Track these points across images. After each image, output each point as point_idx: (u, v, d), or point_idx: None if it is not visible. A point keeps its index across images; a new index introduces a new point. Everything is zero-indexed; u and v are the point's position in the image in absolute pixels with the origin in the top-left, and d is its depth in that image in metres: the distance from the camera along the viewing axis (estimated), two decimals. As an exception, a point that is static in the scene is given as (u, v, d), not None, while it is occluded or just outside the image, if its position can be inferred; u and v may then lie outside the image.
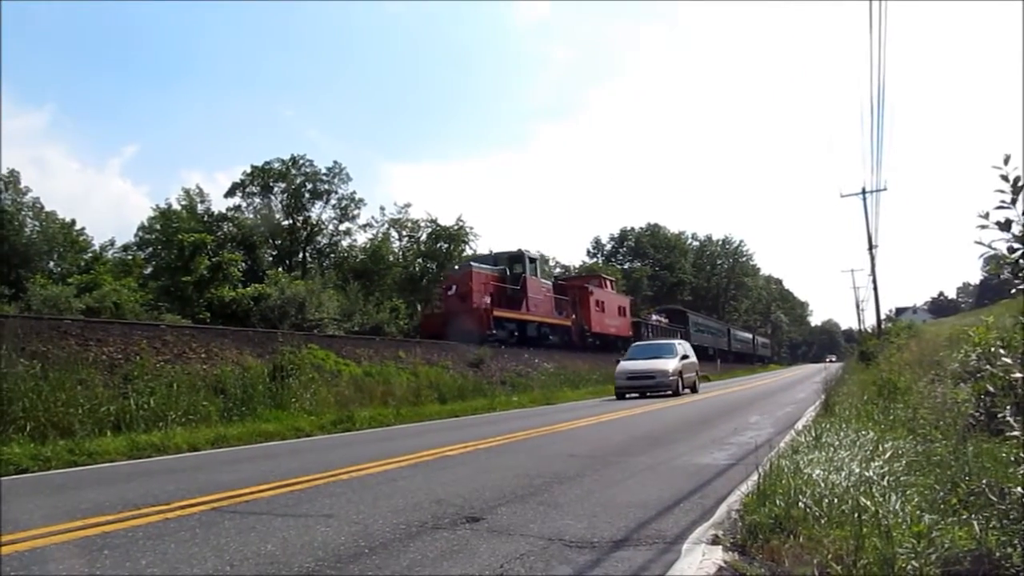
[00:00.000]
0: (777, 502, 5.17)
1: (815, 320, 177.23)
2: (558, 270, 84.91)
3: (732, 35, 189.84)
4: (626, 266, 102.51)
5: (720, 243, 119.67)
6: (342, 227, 65.01)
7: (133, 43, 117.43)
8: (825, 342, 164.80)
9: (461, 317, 30.12)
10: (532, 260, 36.89)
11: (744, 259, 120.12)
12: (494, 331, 30.69)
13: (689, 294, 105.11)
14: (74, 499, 6.91)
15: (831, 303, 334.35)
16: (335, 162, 65.60)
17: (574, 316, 40.30)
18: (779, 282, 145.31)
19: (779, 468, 6.24)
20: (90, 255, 52.46)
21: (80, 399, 12.06)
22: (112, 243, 58.00)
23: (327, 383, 18.05)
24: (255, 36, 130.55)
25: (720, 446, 11.04)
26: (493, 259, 36.94)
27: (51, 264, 50.55)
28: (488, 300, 31.53)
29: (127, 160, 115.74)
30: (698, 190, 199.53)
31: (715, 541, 4.90)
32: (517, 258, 36.38)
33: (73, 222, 52.98)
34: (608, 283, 48.82)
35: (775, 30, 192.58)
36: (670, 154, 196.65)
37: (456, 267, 36.91)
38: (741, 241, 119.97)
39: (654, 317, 60.28)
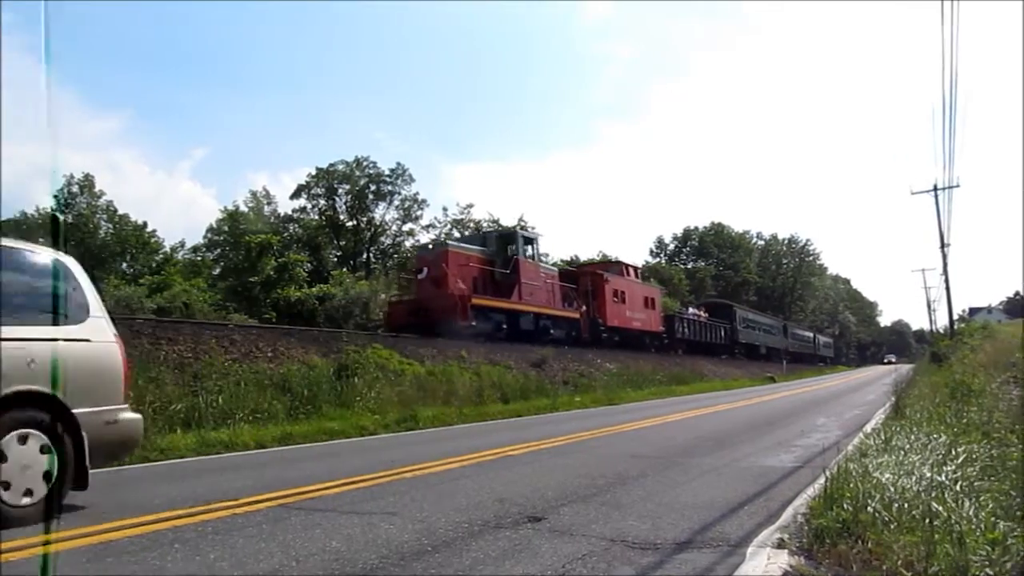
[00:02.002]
0: (845, 506, 5.08)
1: (884, 321, 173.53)
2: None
3: (798, 31, 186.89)
4: (689, 266, 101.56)
5: (786, 242, 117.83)
6: (405, 227, 65.60)
7: (202, 48, 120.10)
8: (895, 343, 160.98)
9: (433, 305, 25.72)
10: (528, 240, 31.76)
11: (810, 258, 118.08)
12: (473, 322, 25.88)
13: (754, 294, 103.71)
14: (146, 494, 7.07)
15: (901, 303, 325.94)
16: (398, 163, 66.28)
17: (585, 308, 34.58)
18: (847, 282, 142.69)
19: (847, 471, 6.12)
20: (161, 256, 53.81)
21: (152, 397, 12.33)
22: (182, 244, 59.42)
23: (390, 382, 18.18)
24: (319, 39, 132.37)
25: (786, 448, 10.89)
26: (481, 239, 32.32)
27: (124, 265, 51.91)
28: (466, 285, 26.76)
29: (196, 163, 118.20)
30: (763, 189, 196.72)
31: (780, 545, 4.83)
32: (509, 238, 31.45)
33: (145, 224, 54.37)
34: (631, 271, 41.85)
35: (842, 25, 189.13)
36: (734, 152, 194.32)
37: (430, 246, 30.54)
38: (807, 240, 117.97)
39: (691, 311, 54.20)
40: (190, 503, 6.44)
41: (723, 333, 54.27)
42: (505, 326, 28.19)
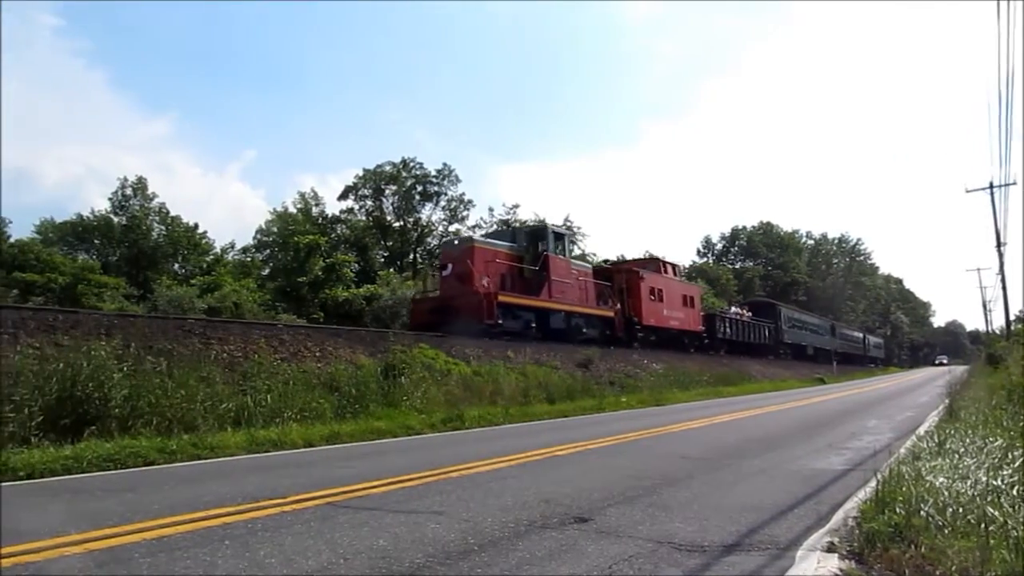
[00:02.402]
0: (897, 510, 5.00)
1: (938, 321, 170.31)
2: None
3: (850, 26, 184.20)
4: (738, 265, 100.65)
5: (836, 242, 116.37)
6: (451, 228, 65.76)
7: (249, 51, 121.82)
8: (949, 344, 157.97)
9: (458, 303, 24.78)
10: (559, 237, 30.41)
11: (861, 258, 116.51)
12: (500, 320, 24.81)
13: (803, 294, 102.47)
14: (197, 491, 7.18)
15: (956, 303, 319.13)
16: (444, 164, 66.24)
17: (619, 306, 33.17)
18: (899, 282, 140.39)
19: (899, 475, 6.03)
20: (211, 257, 54.56)
21: (202, 395, 12.51)
22: (232, 245, 60.17)
23: (437, 382, 18.26)
24: (366, 41, 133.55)
25: (836, 451, 10.74)
26: (510, 234, 30.95)
27: (176, 266, 52.70)
28: (493, 282, 25.61)
29: (246, 164, 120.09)
30: (813, 187, 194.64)
31: (831, 548, 4.77)
32: (539, 233, 30.12)
33: (196, 226, 55.11)
34: (669, 268, 40.25)
35: (896, 19, 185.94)
36: (783, 150, 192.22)
37: (455, 241, 29.54)
38: (858, 240, 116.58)
39: (733, 309, 52.39)
40: (240, 500, 6.52)
41: (767, 333, 53.09)
42: (534, 325, 27.27)
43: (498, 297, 24.85)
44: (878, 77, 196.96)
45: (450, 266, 26.36)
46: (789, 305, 68.63)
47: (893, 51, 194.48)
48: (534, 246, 29.05)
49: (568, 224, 61.14)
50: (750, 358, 47.06)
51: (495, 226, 63.61)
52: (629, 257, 63.97)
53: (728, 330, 46.37)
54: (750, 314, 52.26)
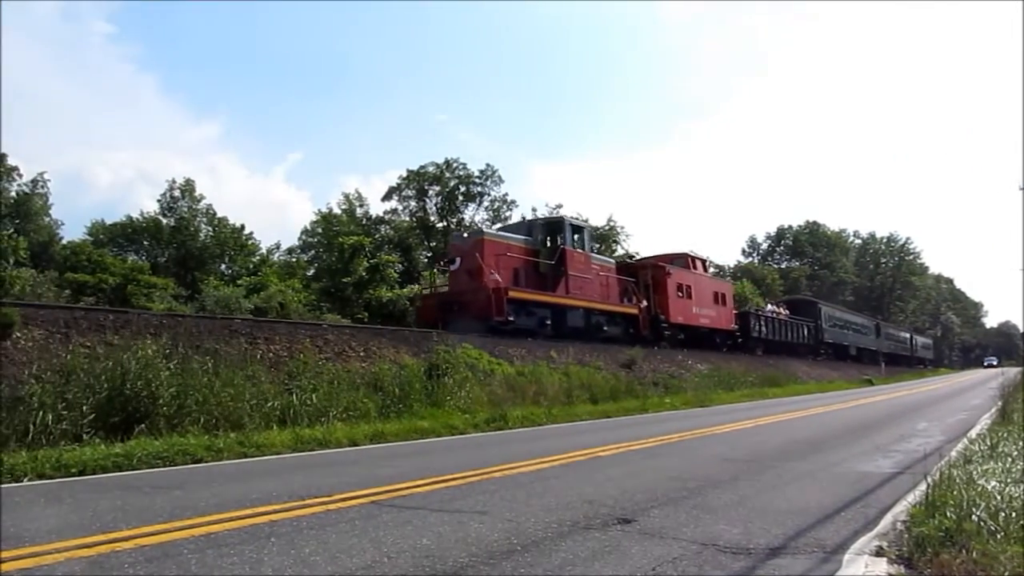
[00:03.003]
0: (948, 514, 4.91)
1: (991, 322, 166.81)
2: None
3: (900, 21, 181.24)
4: (783, 265, 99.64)
5: (884, 241, 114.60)
6: (494, 228, 65.86)
7: (295, 54, 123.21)
8: (1002, 345, 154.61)
9: (466, 299, 23.58)
10: (577, 229, 28.78)
11: (911, 257, 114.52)
12: (511, 317, 23.29)
13: (851, 294, 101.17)
14: (244, 489, 7.27)
15: (1009, 304, 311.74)
16: (487, 164, 66.28)
17: (645, 303, 31.50)
18: (950, 281, 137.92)
19: (950, 478, 5.93)
20: (258, 258, 55.25)
21: (248, 394, 12.65)
22: (278, 246, 60.97)
23: (480, 382, 18.30)
24: (407, 43, 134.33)
25: (884, 453, 10.58)
26: (526, 227, 29.05)
27: (223, 266, 53.43)
28: (504, 277, 23.95)
29: (291, 167, 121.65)
30: (860, 186, 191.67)
31: (879, 553, 4.71)
32: (555, 226, 28.39)
33: (243, 227, 55.81)
34: (699, 263, 38.53)
35: (945, 13, 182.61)
36: (830, 149, 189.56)
37: (464, 234, 27.48)
38: (907, 239, 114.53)
39: (769, 307, 49.95)
40: (286, 498, 6.59)
41: (806, 332, 51.21)
42: (549, 322, 25.63)
43: (508, 293, 23.35)
44: (928, 73, 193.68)
45: (458, 260, 25.06)
46: (830, 303, 66.42)
47: (944, 45, 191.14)
48: (551, 240, 27.75)
49: (612, 224, 60.87)
50: (788, 358, 45.41)
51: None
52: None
53: (764, 329, 44.54)
54: (787, 312, 50.40)
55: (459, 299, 23.88)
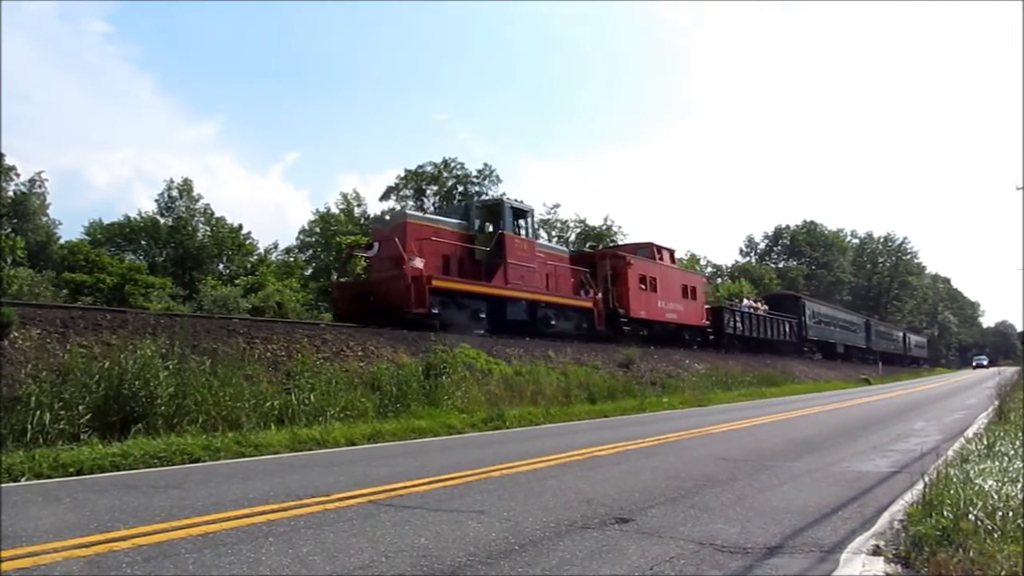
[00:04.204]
0: (945, 513, 4.92)
1: (987, 321, 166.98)
2: (709, 270, 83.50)
3: (895, 23, 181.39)
4: (781, 265, 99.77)
5: (882, 240, 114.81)
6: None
7: (292, 54, 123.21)
8: (999, 344, 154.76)
9: (383, 288, 21.16)
10: (520, 213, 25.96)
11: (908, 257, 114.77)
12: (435, 309, 20.91)
13: (848, 293, 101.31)
14: (242, 488, 7.26)
15: (1006, 304, 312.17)
16: (485, 164, 66.59)
17: (600, 296, 28.74)
18: (947, 281, 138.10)
19: (947, 477, 5.95)
20: (255, 258, 55.33)
21: (246, 394, 12.63)
22: (275, 246, 60.99)
23: (478, 382, 18.30)
24: (404, 42, 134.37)
25: (881, 453, 10.61)
26: (462, 211, 26.20)
27: (220, 266, 53.46)
28: (429, 265, 21.44)
29: (288, 166, 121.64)
30: (858, 185, 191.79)
31: (876, 552, 4.71)
32: (494, 209, 25.66)
33: (240, 227, 55.86)
34: (665, 254, 35.56)
35: (940, 12, 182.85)
36: (828, 148, 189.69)
37: (386, 217, 24.43)
38: (905, 238, 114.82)
39: (746, 302, 47.10)
40: (283, 498, 6.59)
41: (788, 329, 49.07)
42: (484, 316, 23.18)
43: (431, 281, 20.84)
44: (927, 73, 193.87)
45: (377, 245, 22.42)
46: (815, 299, 64.74)
47: (943, 45, 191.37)
48: (489, 224, 25.09)
49: (608, 224, 60.86)
50: (768, 356, 42.87)
51: (536, 226, 63.52)
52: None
53: (739, 325, 42.16)
54: (767, 308, 48.07)
55: (376, 289, 21.60)
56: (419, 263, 20.83)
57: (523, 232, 25.93)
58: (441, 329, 20.82)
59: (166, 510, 6.05)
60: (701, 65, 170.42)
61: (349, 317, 20.76)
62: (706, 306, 39.31)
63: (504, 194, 55.78)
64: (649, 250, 34.51)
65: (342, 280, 25.55)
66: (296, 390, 13.61)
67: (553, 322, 26.11)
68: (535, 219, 28.75)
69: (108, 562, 4.49)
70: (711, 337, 38.40)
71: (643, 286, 31.86)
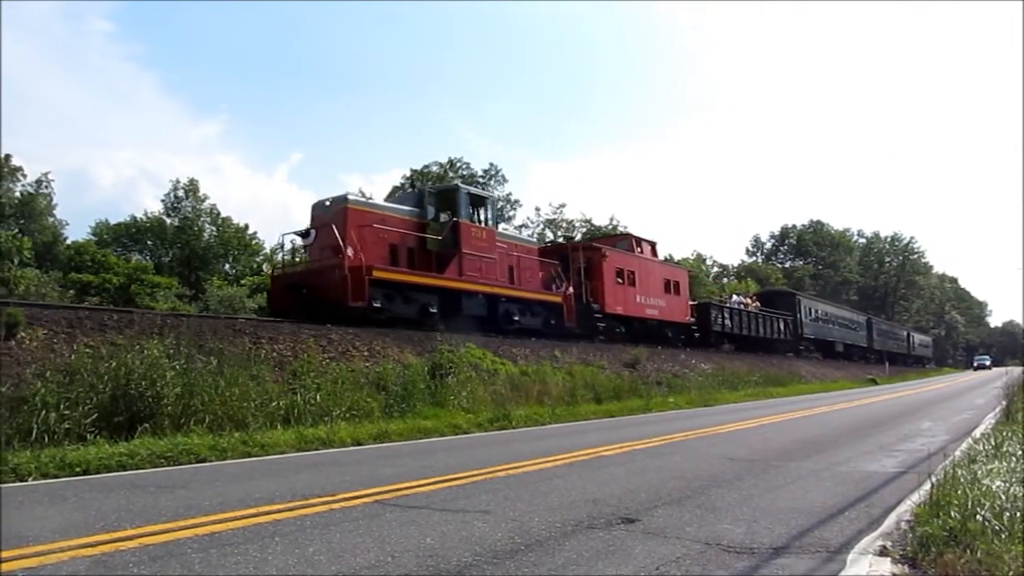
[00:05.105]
0: (952, 514, 4.90)
1: (995, 321, 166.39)
2: (716, 269, 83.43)
3: (900, 22, 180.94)
4: (787, 264, 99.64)
5: (888, 240, 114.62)
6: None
7: (296, 53, 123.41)
8: (1006, 344, 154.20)
9: (317, 280, 19.37)
10: (477, 201, 24.27)
11: (915, 257, 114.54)
12: (376, 303, 19.21)
13: (855, 293, 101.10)
14: (248, 488, 7.27)
15: (1013, 304, 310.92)
16: (491, 164, 66.73)
17: (572, 290, 26.84)
18: (954, 281, 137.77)
19: (954, 478, 5.92)
20: (261, 257, 55.33)
21: (253, 394, 12.65)
22: (281, 246, 60.77)
23: (484, 382, 18.29)
24: (410, 42, 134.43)
25: (888, 453, 10.58)
26: (415, 197, 24.04)
27: (226, 266, 53.53)
28: (372, 254, 19.80)
29: (293, 166, 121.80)
30: (864, 185, 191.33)
31: (883, 552, 4.70)
32: (448, 196, 23.56)
33: (246, 226, 55.91)
34: (646, 247, 33.61)
35: (946, 16, 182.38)
36: (835, 149, 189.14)
37: (327, 203, 21.05)
38: (911, 238, 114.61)
39: (735, 298, 45.57)
40: (289, 498, 6.60)
41: (783, 326, 47.08)
42: (435, 310, 21.24)
43: (372, 272, 18.93)
44: (933, 71, 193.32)
45: (313, 232, 20.38)
46: (812, 295, 63.71)
47: (948, 43, 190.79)
48: (445, 211, 23.11)
49: (615, 224, 60.78)
50: (759, 356, 40.88)
51: (541, 226, 63.47)
52: (678, 258, 63.20)
53: (728, 322, 40.10)
54: (758, 304, 46.08)
55: (310, 280, 19.74)
56: (357, 253, 19.19)
57: (482, 220, 24.08)
58: (385, 324, 19.43)
59: (172, 510, 6.06)
60: (707, 64, 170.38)
61: (282, 312, 19.34)
62: (691, 302, 37.73)
63: (494, 187, 55.61)
64: (628, 242, 33.01)
65: (275, 274, 23.28)
66: (302, 390, 13.63)
67: (516, 318, 24.46)
68: (495, 207, 27.06)
69: (114, 562, 4.49)
70: (696, 335, 36.64)
71: (620, 280, 30.26)
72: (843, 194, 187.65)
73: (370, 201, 21.61)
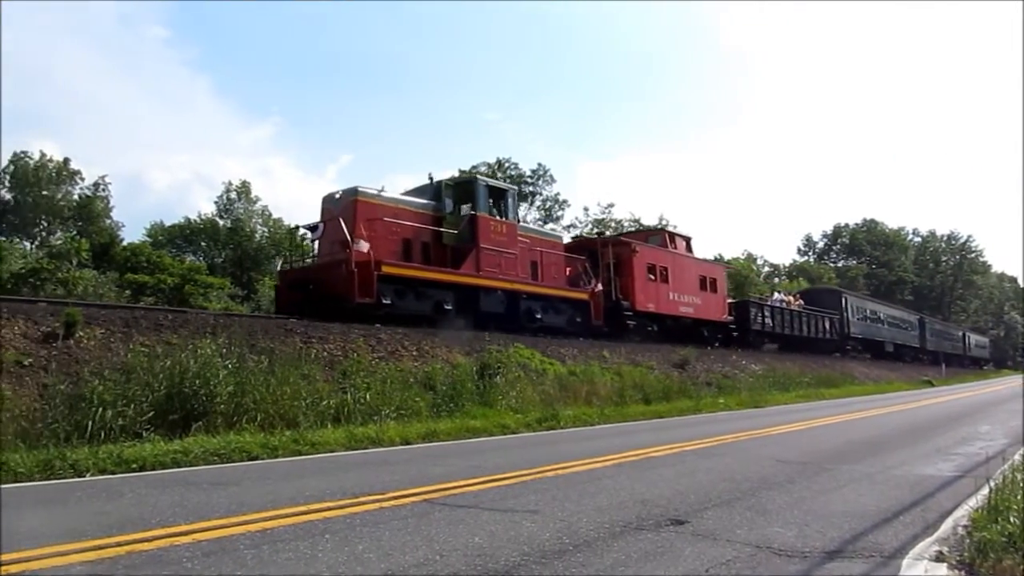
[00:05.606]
0: (1011, 519, 4.79)
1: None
2: (766, 269, 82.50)
3: (951, 18, 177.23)
4: (840, 264, 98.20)
5: (945, 239, 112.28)
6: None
7: (346, 55, 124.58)
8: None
9: (324, 275, 18.73)
10: (497, 193, 23.20)
11: (972, 256, 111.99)
12: (385, 299, 18.45)
13: (910, 293, 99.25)
14: (299, 486, 7.35)
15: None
16: (539, 164, 66.64)
17: (600, 287, 25.49)
18: (1013, 280, 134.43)
19: (1013, 482, 5.78)
20: (312, 258, 55.91)
21: (303, 393, 12.79)
22: (291, 241, 61.71)
23: (532, 382, 18.28)
24: (461, 44, 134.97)
25: (945, 456, 10.37)
26: (431, 190, 22.19)
27: (278, 267, 54.19)
28: (384, 248, 18.99)
29: (343, 167, 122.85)
30: (919, 183, 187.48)
31: (939, 558, 4.61)
32: (466, 187, 22.63)
33: (297, 227, 56.39)
34: (680, 241, 32.24)
35: (1001, 10, 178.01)
36: (888, 145, 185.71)
37: (336, 195, 20.37)
38: (969, 236, 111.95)
39: (777, 296, 44.18)
40: (339, 496, 6.65)
41: (828, 325, 45.09)
42: (450, 307, 20.17)
43: (381, 267, 18.21)
44: (990, 67, 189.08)
45: (322, 226, 19.87)
46: (859, 294, 61.44)
47: (1000, 32, 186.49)
48: (462, 204, 22.24)
49: (663, 224, 60.36)
50: (809, 356, 39.38)
51: (589, 226, 63.26)
52: (728, 257, 62.45)
53: (769, 321, 38.35)
54: (801, 303, 44.38)
55: (316, 276, 19.09)
56: (368, 247, 18.28)
57: (501, 213, 22.93)
58: (394, 322, 18.38)
59: (225, 506, 6.15)
60: (757, 64, 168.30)
61: (289, 308, 18.86)
62: (729, 300, 35.96)
63: (537, 186, 55.36)
64: (661, 237, 31.82)
65: (284, 270, 22.51)
66: (352, 389, 13.74)
67: (539, 316, 23.34)
68: (517, 199, 25.80)
69: (169, 556, 4.57)
70: (734, 334, 34.88)
71: (652, 276, 28.85)
72: (898, 192, 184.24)
73: (382, 193, 20.42)
